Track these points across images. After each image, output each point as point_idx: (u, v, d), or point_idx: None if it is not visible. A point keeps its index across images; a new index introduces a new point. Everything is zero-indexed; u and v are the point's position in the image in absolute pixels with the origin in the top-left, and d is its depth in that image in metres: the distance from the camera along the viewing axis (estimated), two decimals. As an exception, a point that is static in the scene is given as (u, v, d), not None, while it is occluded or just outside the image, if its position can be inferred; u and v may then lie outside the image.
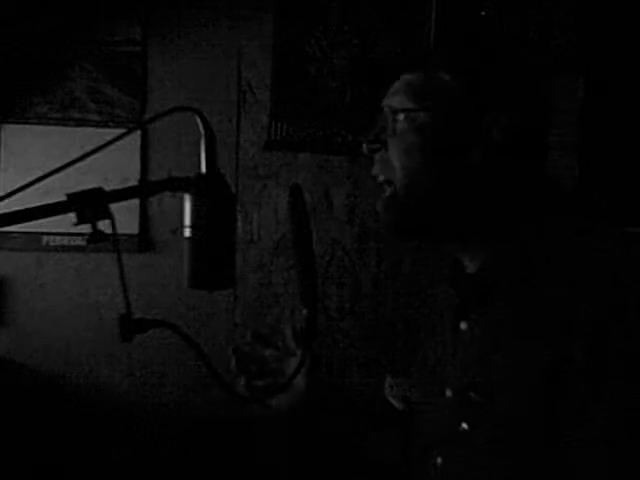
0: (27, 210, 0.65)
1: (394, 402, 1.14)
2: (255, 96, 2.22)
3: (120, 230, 0.65)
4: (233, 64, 2.21)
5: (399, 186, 0.86)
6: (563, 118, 2.23)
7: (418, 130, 0.84)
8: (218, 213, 0.70)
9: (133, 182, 2.14)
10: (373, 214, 2.22)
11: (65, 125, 2.15)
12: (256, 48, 2.21)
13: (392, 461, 1.07)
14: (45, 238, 2.13)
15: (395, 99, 0.87)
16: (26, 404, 2.10)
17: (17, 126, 2.13)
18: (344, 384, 2.18)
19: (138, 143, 2.16)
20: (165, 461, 2.16)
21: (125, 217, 2.05)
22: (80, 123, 2.15)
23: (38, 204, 0.65)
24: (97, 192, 0.66)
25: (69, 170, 0.66)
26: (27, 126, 2.13)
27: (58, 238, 2.13)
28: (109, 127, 2.15)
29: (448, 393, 0.89)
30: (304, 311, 0.82)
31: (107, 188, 0.67)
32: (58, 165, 0.66)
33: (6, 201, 0.67)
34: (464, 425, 0.84)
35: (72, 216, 0.65)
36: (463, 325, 0.89)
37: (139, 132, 2.16)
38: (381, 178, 0.88)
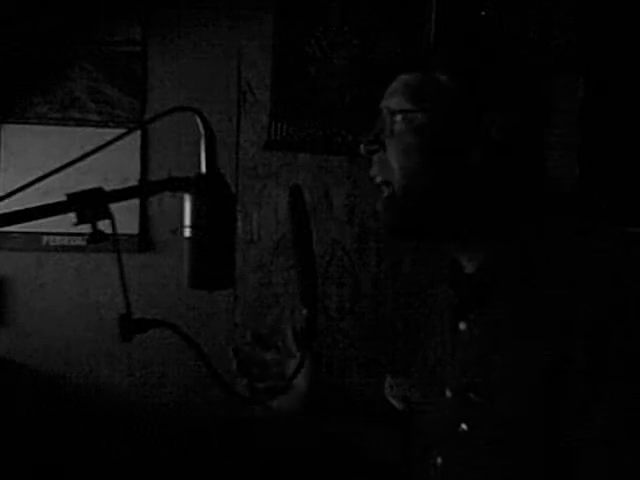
0: (27, 210, 0.65)
1: (394, 402, 1.14)
2: (255, 96, 2.22)
3: (120, 230, 0.65)
4: (233, 64, 2.21)
5: (397, 187, 0.86)
6: (563, 118, 2.23)
7: (416, 131, 0.84)
8: (218, 213, 0.69)
9: (133, 182, 2.14)
10: (373, 214, 2.22)
11: (65, 125, 2.14)
12: (256, 48, 2.21)
13: (392, 461, 1.07)
14: (45, 238, 2.12)
15: (393, 100, 0.87)
16: (26, 404, 2.10)
17: (17, 126, 2.13)
18: (344, 384, 2.18)
19: (138, 143, 2.16)
20: (165, 461, 2.16)
21: (125, 217, 2.05)
22: (80, 123, 2.15)
23: (38, 204, 0.65)
24: (97, 192, 0.66)
25: (69, 170, 0.66)
26: (27, 126, 2.13)
27: (58, 238, 2.12)
28: (109, 127, 2.15)
29: (448, 393, 0.89)
30: (304, 311, 0.82)
31: (107, 188, 0.67)
32: (58, 165, 0.66)
33: (6, 201, 0.67)
34: (464, 425, 0.84)
35: (72, 216, 0.65)
36: (462, 325, 0.89)
37: (139, 132, 2.16)
38: (379, 179, 0.88)
